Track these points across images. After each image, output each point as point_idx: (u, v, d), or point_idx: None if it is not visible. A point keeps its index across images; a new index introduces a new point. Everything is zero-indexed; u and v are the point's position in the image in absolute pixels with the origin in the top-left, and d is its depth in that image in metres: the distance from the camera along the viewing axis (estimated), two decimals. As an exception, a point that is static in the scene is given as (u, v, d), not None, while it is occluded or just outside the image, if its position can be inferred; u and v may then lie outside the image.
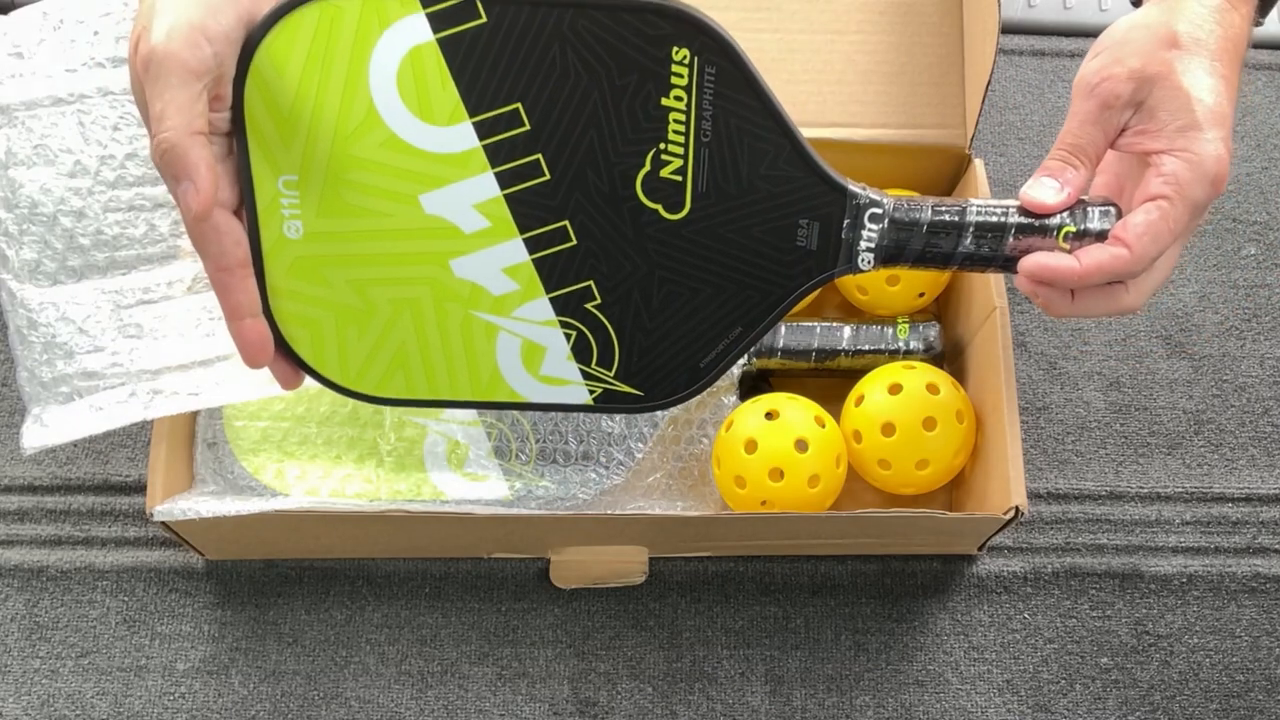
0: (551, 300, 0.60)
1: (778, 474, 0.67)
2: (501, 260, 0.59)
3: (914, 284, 0.74)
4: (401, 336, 0.60)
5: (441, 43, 0.55)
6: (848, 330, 0.73)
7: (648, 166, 0.57)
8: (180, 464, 0.69)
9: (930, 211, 0.56)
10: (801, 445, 0.68)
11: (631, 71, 0.55)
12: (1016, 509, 0.63)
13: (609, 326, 0.60)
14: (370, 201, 0.58)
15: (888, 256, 0.56)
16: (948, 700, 0.71)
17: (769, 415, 0.68)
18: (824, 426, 0.69)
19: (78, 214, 0.65)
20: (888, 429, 0.68)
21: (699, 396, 0.72)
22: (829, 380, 0.74)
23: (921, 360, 0.72)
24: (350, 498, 0.68)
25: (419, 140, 0.57)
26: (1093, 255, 0.54)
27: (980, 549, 0.73)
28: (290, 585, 0.72)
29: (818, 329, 0.73)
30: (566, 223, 0.58)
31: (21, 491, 0.74)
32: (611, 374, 0.61)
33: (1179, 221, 0.54)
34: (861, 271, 0.56)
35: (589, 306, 0.60)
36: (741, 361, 0.74)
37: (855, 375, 0.72)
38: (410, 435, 0.68)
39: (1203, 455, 0.77)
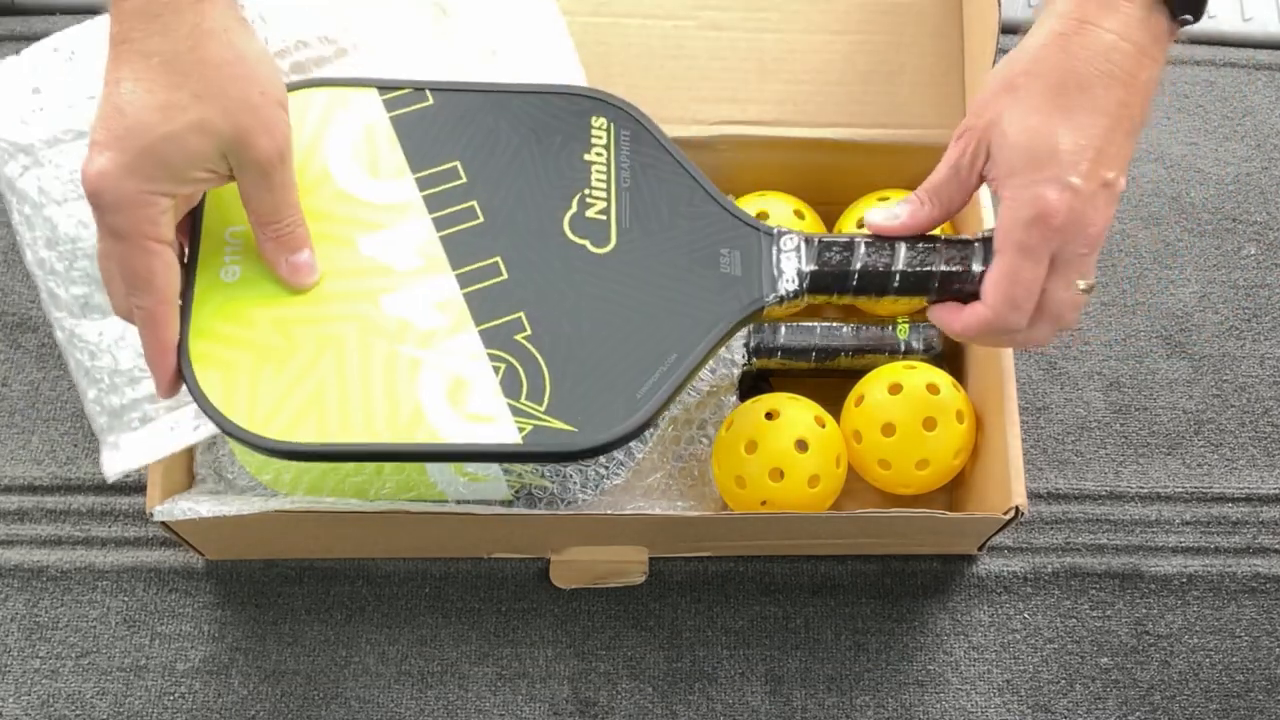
0: (481, 333, 0.60)
1: (778, 474, 0.67)
2: (432, 295, 0.61)
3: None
4: (321, 375, 0.60)
5: (394, 120, 0.64)
6: (848, 330, 0.73)
7: (574, 208, 0.62)
8: (180, 464, 0.69)
9: (861, 245, 0.59)
10: (801, 445, 0.67)
11: (556, 134, 0.64)
12: (1016, 509, 0.63)
13: (539, 358, 0.60)
14: (318, 247, 0.61)
15: (815, 285, 0.59)
16: (948, 700, 0.71)
17: (769, 415, 0.68)
18: (824, 426, 0.69)
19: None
20: (888, 429, 0.68)
21: (699, 397, 0.72)
22: (829, 380, 0.74)
23: (921, 360, 0.72)
24: (349, 482, 0.68)
25: (364, 193, 0.63)
26: (965, 315, 0.58)
27: (980, 549, 0.73)
28: (290, 585, 0.72)
29: (818, 329, 0.73)
30: (498, 258, 0.61)
31: (21, 491, 0.74)
32: (542, 409, 0.59)
33: (1016, 268, 0.55)
34: (790, 298, 0.59)
35: (519, 338, 0.60)
36: (740, 361, 0.74)
37: (856, 375, 0.72)
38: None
39: (1203, 455, 0.77)
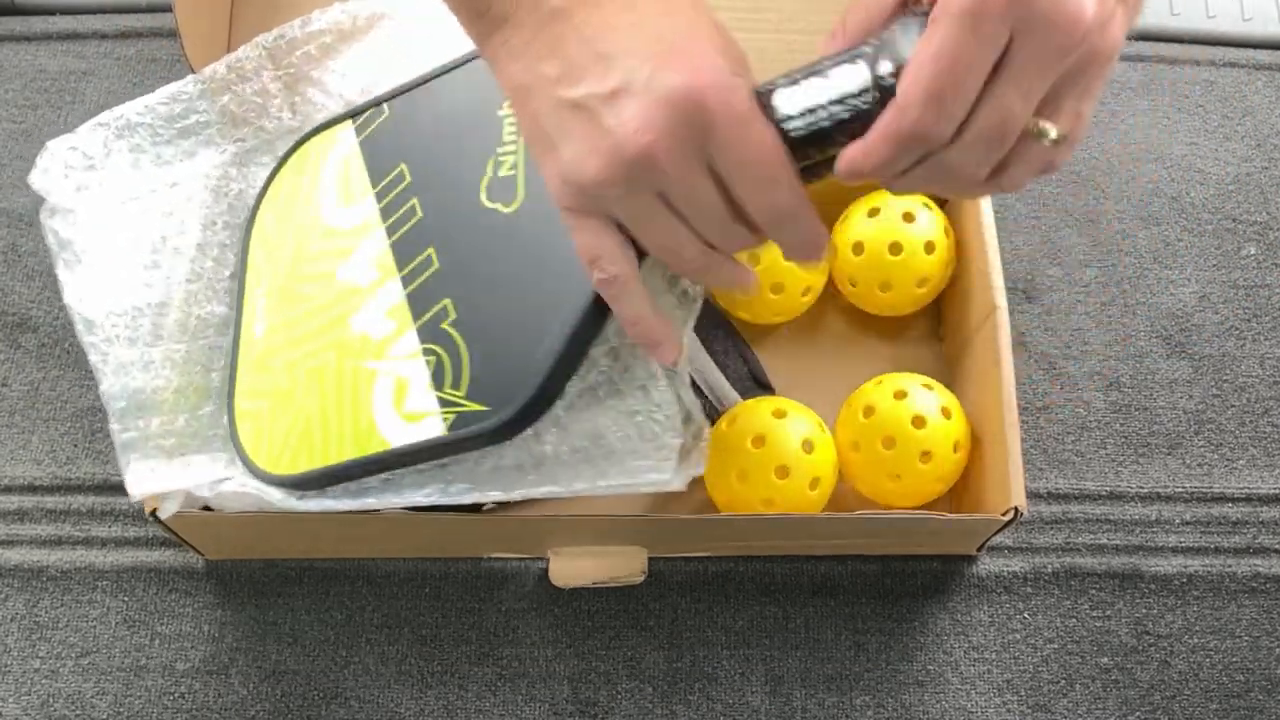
0: (418, 330, 0.59)
1: (784, 471, 0.67)
2: (384, 304, 0.61)
3: (913, 272, 0.73)
4: (309, 406, 0.62)
5: (361, 143, 0.66)
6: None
7: (489, 173, 0.60)
8: None
9: None
10: (808, 446, 0.68)
11: (476, 99, 0.62)
12: (1016, 510, 0.63)
13: (460, 342, 0.58)
14: (309, 286, 0.64)
15: None
16: (948, 700, 0.71)
17: (777, 414, 0.68)
18: (824, 432, 0.69)
19: (160, 306, 0.66)
20: (888, 442, 0.68)
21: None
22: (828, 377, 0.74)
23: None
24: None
25: (339, 222, 0.65)
26: (869, 132, 0.42)
27: (979, 549, 0.73)
28: (290, 585, 0.72)
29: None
30: (432, 249, 0.60)
31: (21, 491, 0.74)
32: (462, 394, 0.57)
33: (954, 42, 0.38)
34: None
35: (445, 325, 0.59)
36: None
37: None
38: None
39: (1203, 455, 0.77)
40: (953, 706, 0.71)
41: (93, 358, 0.64)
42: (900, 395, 0.68)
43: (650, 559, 0.71)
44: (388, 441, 0.58)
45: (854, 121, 0.44)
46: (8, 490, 0.74)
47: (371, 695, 0.70)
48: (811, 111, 0.44)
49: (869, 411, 0.69)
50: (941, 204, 0.76)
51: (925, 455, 0.68)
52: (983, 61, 0.39)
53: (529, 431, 0.57)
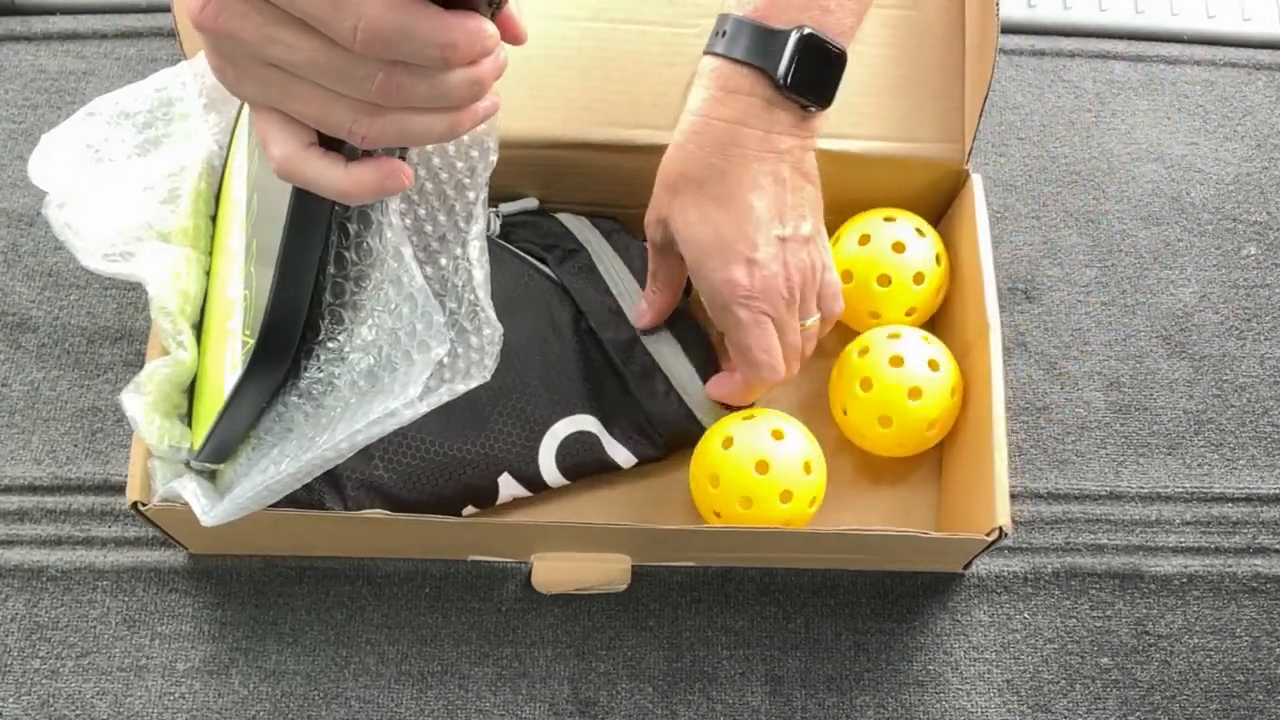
0: (242, 277, 0.56)
1: (788, 496, 0.67)
2: (238, 261, 0.58)
3: (901, 304, 0.73)
4: (201, 372, 0.62)
5: None
6: None
7: None
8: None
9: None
10: (809, 468, 0.68)
11: None
12: (1000, 530, 0.63)
13: (253, 275, 0.53)
14: (217, 261, 0.63)
15: None
16: (948, 700, 0.71)
17: (775, 435, 0.68)
18: (816, 446, 0.69)
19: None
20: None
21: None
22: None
23: None
24: None
25: (236, 191, 0.62)
26: (734, 382, 0.70)
27: (966, 567, 0.73)
28: (290, 585, 0.72)
29: None
30: (256, 194, 0.55)
31: (21, 491, 0.74)
32: (249, 332, 0.52)
33: (743, 341, 0.65)
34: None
35: (248, 264, 0.55)
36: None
37: None
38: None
39: (1203, 455, 0.77)
40: (953, 706, 0.71)
41: (164, 324, 0.63)
42: (892, 338, 0.70)
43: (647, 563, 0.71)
44: (224, 397, 0.55)
45: None
46: (8, 490, 0.74)
47: (371, 695, 0.70)
48: None
49: (859, 355, 0.71)
50: (937, 219, 0.76)
51: (914, 392, 0.68)
52: (765, 337, 0.65)
53: (304, 380, 0.53)
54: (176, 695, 0.70)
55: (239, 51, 0.39)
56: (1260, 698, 0.71)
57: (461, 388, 0.51)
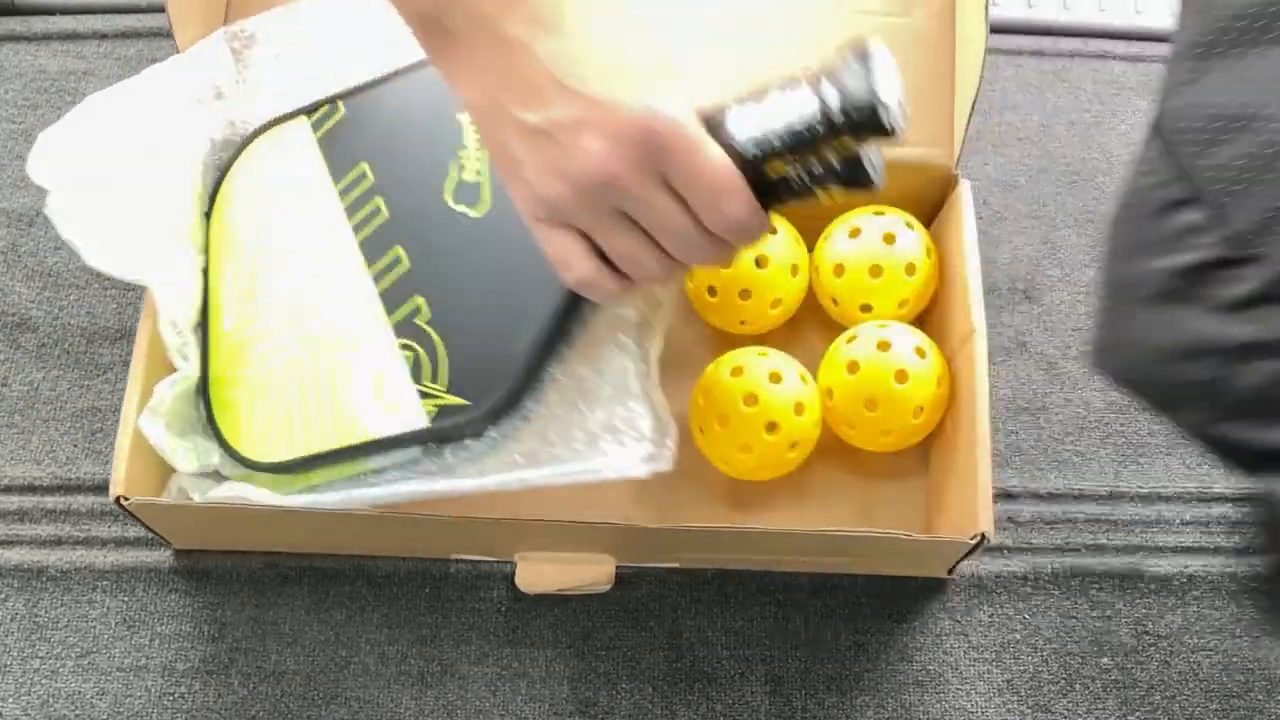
0: (394, 326, 0.63)
1: (773, 428, 0.68)
2: (356, 299, 0.64)
3: (894, 295, 0.73)
4: (288, 397, 0.64)
5: (319, 139, 0.68)
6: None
7: (453, 175, 0.63)
8: (148, 453, 0.66)
9: None
10: (799, 409, 0.69)
11: (434, 103, 0.64)
12: (983, 535, 0.63)
13: (436, 338, 0.61)
14: (274, 279, 0.66)
15: None
16: (948, 700, 0.71)
17: (773, 377, 0.69)
18: (812, 391, 0.71)
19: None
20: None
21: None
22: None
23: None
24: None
25: (302, 218, 0.67)
26: None
27: (950, 572, 0.73)
28: (290, 585, 0.72)
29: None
30: (400, 249, 0.63)
31: (21, 491, 0.75)
32: (443, 388, 0.61)
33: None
34: None
35: (419, 322, 0.62)
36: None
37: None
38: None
39: (1203, 455, 0.77)
40: (953, 706, 0.71)
41: (170, 338, 0.66)
42: (879, 327, 0.71)
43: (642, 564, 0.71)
44: (370, 431, 0.61)
45: (801, 144, 0.49)
46: (8, 490, 0.74)
47: (371, 695, 0.70)
48: (763, 136, 0.49)
49: (847, 342, 0.71)
50: (927, 222, 0.76)
51: (900, 375, 0.68)
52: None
53: (507, 426, 0.61)
54: (176, 695, 0.70)
55: (606, 194, 0.47)
56: (1260, 698, 0.71)
57: (644, 469, 0.60)
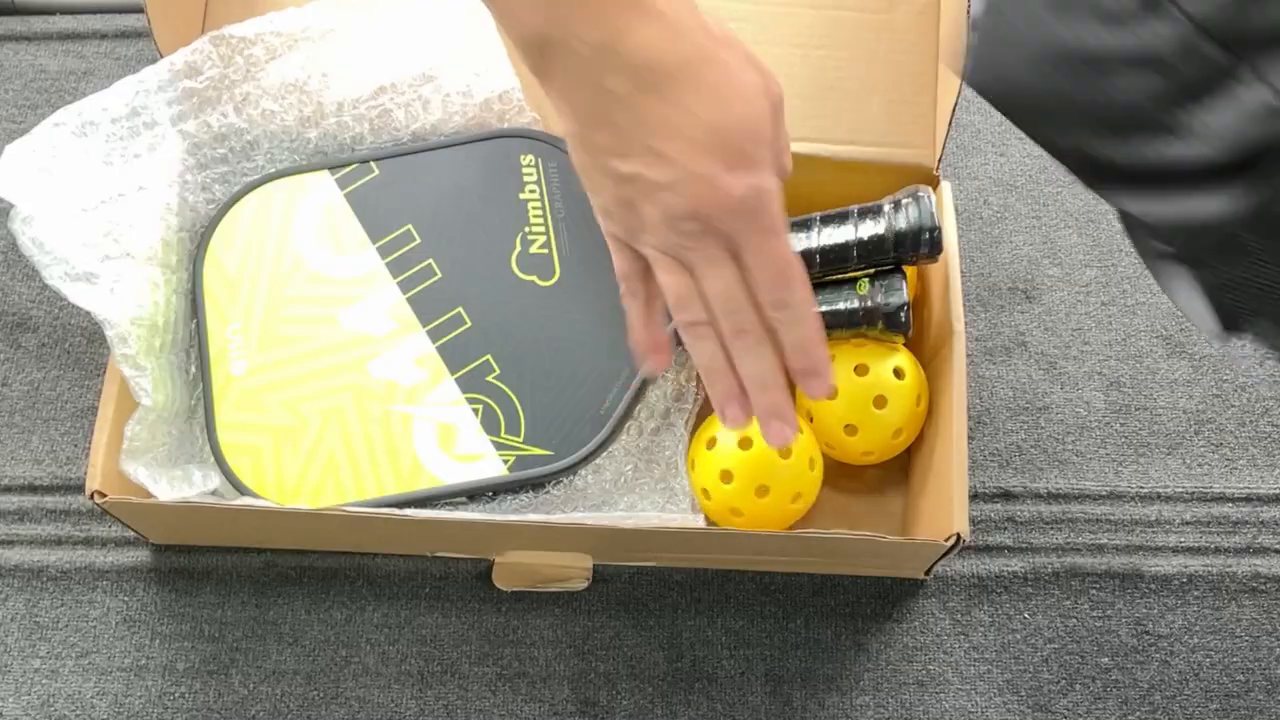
0: (457, 380, 0.68)
1: (764, 490, 0.67)
2: (410, 353, 0.68)
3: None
4: (330, 445, 0.68)
5: (348, 196, 0.71)
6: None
7: (518, 247, 0.69)
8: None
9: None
10: (811, 463, 0.68)
11: (492, 179, 0.70)
12: (958, 536, 0.63)
13: (511, 394, 0.67)
14: (298, 329, 0.69)
15: None
16: (948, 700, 0.71)
17: (742, 444, 0.67)
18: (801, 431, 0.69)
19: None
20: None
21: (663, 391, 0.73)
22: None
23: (885, 325, 0.68)
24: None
25: (335, 270, 0.70)
26: None
27: (928, 574, 0.73)
28: (290, 585, 0.72)
29: None
30: (460, 309, 0.69)
31: (21, 491, 0.75)
32: (521, 439, 0.67)
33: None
34: None
35: (490, 379, 0.67)
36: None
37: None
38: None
39: (1203, 455, 0.77)
40: (953, 706, 0.71)
41: (126, 370, 0.65)
42: (856, 346, 0.70)
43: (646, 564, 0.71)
44: (439, 479, 0.66)
45: (866, 264, 0.64)
46: (8, 490, 0.74)
47: (371, 695, 0.70)
48: (837, 248, 0.65)
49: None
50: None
51: (879, 400, 0.68)
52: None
53: (580, 476, 0.69)
54: (176, 695, 0.70)
55: (674, 243, 0.49)
56: (1260, 698, 0.71)
57: (677, 518, 0.67)
